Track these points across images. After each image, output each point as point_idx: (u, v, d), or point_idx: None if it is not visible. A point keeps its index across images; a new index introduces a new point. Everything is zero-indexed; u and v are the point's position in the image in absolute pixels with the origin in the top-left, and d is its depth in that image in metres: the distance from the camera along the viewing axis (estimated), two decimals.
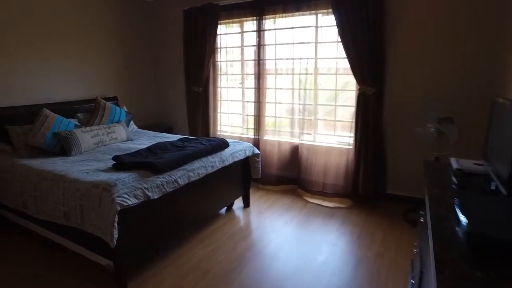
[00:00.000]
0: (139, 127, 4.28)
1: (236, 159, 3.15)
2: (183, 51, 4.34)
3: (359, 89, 3.35)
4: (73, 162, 2.79)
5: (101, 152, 3.11)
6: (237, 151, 3.18)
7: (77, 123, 3.41)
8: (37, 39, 3.44)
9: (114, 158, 2.63)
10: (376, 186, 3.43)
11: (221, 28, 4.23)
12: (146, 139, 3.62)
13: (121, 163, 2.54)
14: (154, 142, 3.37)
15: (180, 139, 3.26)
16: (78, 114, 3.59)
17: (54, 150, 3.02)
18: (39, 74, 3.51)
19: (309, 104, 3.79)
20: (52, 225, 2.45)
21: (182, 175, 2.54)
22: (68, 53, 3.74)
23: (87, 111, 3.69)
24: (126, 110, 4.02)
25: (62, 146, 3.02)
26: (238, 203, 3.52)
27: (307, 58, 3.69)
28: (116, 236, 2.02)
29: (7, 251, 2.71)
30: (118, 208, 2.02)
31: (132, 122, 4.10)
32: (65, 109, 3.56)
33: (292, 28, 3.72)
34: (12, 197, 2.77)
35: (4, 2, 3.17)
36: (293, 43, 3.74)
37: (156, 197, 2.31)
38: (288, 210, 3.44)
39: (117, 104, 4.15)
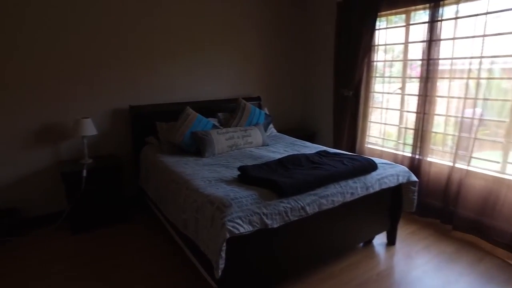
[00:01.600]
0: (278, 131, 4.01)
1: (384, 186, 2.44)
2: (333, 49, 3.80)
3: None
4: (203, 165, 2.68)
5: (233, 156, 2.93)
6: (387, 176, 2.46)
7: (215, 123, 3.35)
8: (187, 39, 3.55)
9: (240, 169, 2.35)
10: None
11: (380, 21, 3.48)
12: (282, 146, 3.28)
13: (246, 176, 2.24)
14: (289, 152, 3.00)
15: (318, 153, 2.76)
16: (219, 114, 3.55)
17: (190, 149, 3.01)
18: (188, 73, 3.62)
19: (499, 121, 2.68)
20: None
21: (312, 202, 2.04)
22: (216, 52, 3.75)
23: (229, 110, 3.62)
24: (267, 113, 3.79)
25: (198, 146, 2.98)
26: (380, 237, 2.78)
27: (507, 56, 2.57)
28: (222, 266, 1.70)
29: (139, 237, 2.83)
30: (228, 235, 1.68)
31: (271, 126, 3.84)
32: (209, 107, 3.57)
33: (486, 13, 2.65)
34: (153, 189, 2.88)
35: (157, 6, 3.36)
36: (483, 35, 2.67)
37: (275, 226, 1.89)
38: (452, 261, 2.50)
39: (259, 105, 3.98)
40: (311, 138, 4.10)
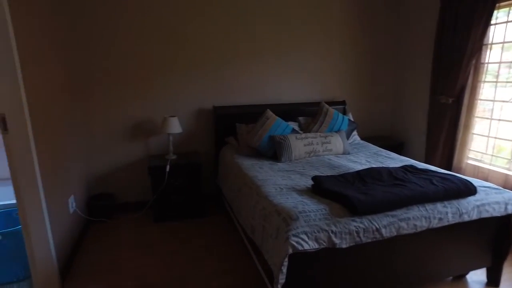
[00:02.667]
0: (362, 138, 3.74)
1: (485, 215, 2.05)
2: (433, 49, 3.34)
3: None
4: (278, 171, 2.63)
5: (310, 163, 2.81)
6: (490, 203, 2.06)
7: (295, 128, 3.28)
8: (270, 40, 3.53)
9: (313, 178, 2.24)
10: None
11: (497, 14, 2.94)
12: (365, 156, 3.03)
13: (318, 187, 2.12)
14: (371, 164, 2.76)
15: (404, 167, 2.46)
16: (300, 118, 3.46)
17: (267, 153, 3.00)
18: (271, 75, 3.60)
19: None
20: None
21: (389, 224, 1.82)
22: (300, 54, 3.65)
23: (311, 114, 3.50)
24: (351, 119, 3.56)
25: (275, 150, 2.95)
26: (477, 274, 2.36)
27: None
28: (282, 281, 1.63)
29: (213, 233, 2.94)
30: (290, 250, 1.60)
31: (355, 132, 3.60)
32: (289, 110, 3.51)
33: None
34: (227, 189, 2.95)
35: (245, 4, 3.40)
36: None
37: (344, 246, 1.74)
38: None
39: (344, 110, 3.77)
40: (399, 149, 3.71)
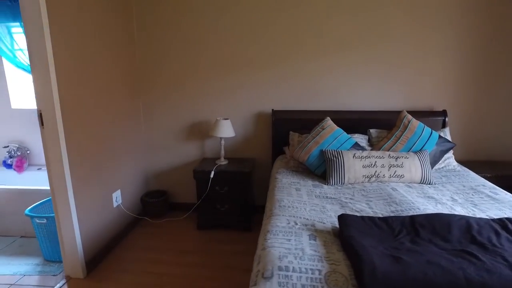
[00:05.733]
0: (463, 161, 2.75)
1: None
2: None
3: None
4: (316, 196, 2.11)
5: (364, 192, 2.17)
6: None
7: (361, 142, 2.62)
8: (350, 34, 2.88)
9: (340, 217, 1.67)
10: None
11: None
12: (452, 192, 2.18)
13: (341, 232, 1.56)
14: (457, 205, 1.96)
15: (502, 221, 1.61)
16: (371, 130, 2.75)
17: (316, 171, 2.47)
18: (341, 75, 2.98)
19: None
20: None
21: None
22: (380, 49, 2.88)
23: (389, 126, 2.75)
24: (446, 136, 2.65)
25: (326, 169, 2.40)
26: None
27: None
28: None
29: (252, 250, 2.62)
30: None
31: (451, 154, 2.66)
32: (362, 119, 2.85)
33: None
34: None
35: None
36: None
37: None
38: None
39: (443, 123, 2.85)
40: None
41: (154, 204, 3.20)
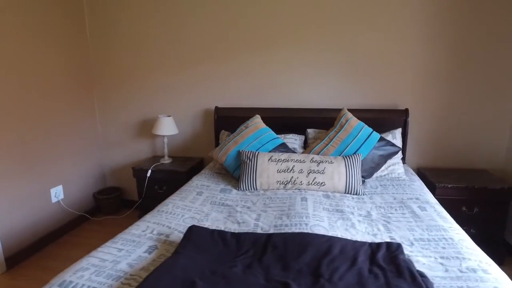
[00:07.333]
0: (428, 168, 2.32)
1: None
2: None
3: None
4: (209, 204, 1.90)
5: (269, 200, 1.90)
6: None
7: (293, 143, 2.32)
8: (303, 24, 2.57)
9: (188, 229, 1.45)
10: None
11: None
12: (380, 203, 1.83)
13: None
14: (368, 224, 1.64)
15: (378, 247, 1.29)
16: (309, 130, 2.42)
17: (235, 174, 2.23)
18: (296, 69, 2.67)
19: None
20: None
21: None
22: (347, 41, 2.53)
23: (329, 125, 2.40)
24: (390, 139, 2.24)
25: None
26: None
27: None
28: None
29: None
30: None
31: (398, 160, 2.24)
32: (306, 118, 2.53)
33: None
34: None
35: None
36: None
37: None
38: None
39: (404, 122, 2.43)
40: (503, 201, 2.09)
41: (104, 201, 3.18)
